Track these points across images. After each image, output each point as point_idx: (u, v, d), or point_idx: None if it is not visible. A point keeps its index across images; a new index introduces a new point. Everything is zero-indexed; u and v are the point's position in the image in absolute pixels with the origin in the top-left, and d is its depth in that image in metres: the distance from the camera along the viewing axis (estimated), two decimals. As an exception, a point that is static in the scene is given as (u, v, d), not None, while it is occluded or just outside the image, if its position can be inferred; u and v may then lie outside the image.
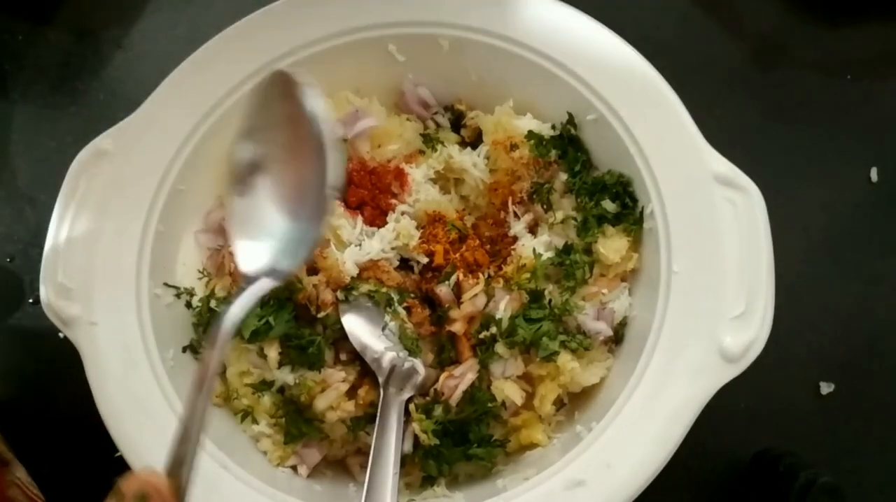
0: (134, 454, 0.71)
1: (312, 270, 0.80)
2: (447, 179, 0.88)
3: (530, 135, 0.85)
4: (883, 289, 0.96)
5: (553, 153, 0.85)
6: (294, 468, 0.80)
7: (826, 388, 0.92)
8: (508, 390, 0.78)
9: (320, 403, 0.77)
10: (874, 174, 0.99)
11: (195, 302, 0.83)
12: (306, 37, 0.83)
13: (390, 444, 0.73)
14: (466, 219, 0.87)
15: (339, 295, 0.79)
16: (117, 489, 0.51)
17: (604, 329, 0.79)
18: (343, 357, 0.80)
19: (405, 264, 0.84)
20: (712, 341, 0.70)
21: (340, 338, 0.79)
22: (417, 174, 0.85)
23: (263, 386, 0.79)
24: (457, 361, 0.80)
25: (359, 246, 0.80)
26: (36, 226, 1.01)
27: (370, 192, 0.84)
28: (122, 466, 0.70)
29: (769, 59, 1.05)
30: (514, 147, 0.85)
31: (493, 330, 0.78)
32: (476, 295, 0.80)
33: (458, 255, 0.82)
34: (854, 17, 1.06)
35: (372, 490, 0.70)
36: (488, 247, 0.85)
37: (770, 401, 0.91)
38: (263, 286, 0.62)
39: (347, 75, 0.87)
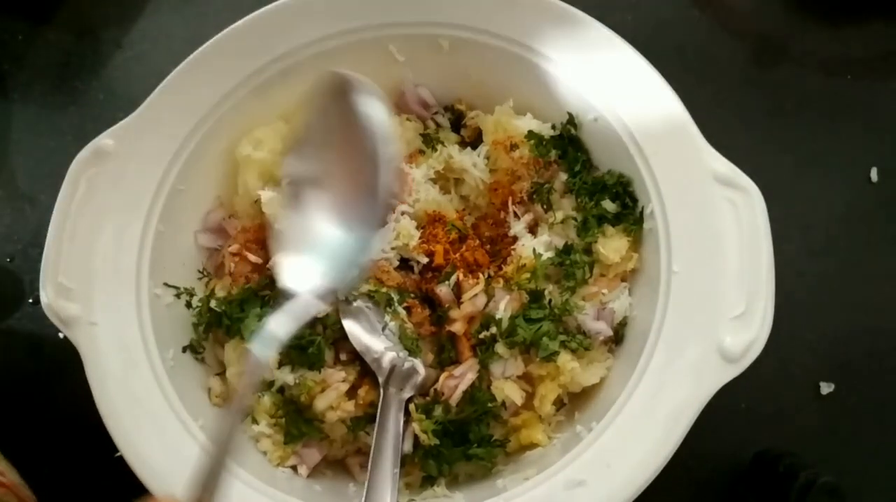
0: (134, 454, 0.71)
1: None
2: (447, 179, 0.88)
3: (530, 135, 0.85)
4: (883, 289, 0.96)
5: (553, 153, 0.85)
6: (294, 468, 0.80)
7: (826, 388, 0.92)
8: (508, 390, 0.78)
9: (320, 403, 0.77)
10: (874, 174, 0.99)
11: (195, 302, 0.83)
12: (306, 37, 0.83)
13: (390, 444, 0.73)
14: (466, 219, 0.87)
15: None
16: None
17: (604, 329, 0.79)
18: (343, 357, 0.80)
19: (405, 264, 0.84)
20: (712, 341, 0.70)
21: (340, 338, 0.79)
22: (417, 174, 0.85)
23: (263, 386, 0.79)
24: (457, 361, 0.80)
25: (359, 246, 0.80)
26: (36, 226, 1.01)
27: (370, 192, 0.84)
28: (122, 466, 0.70)
29: (769, 59, 1.05)
30: (514, 147, 0.85)
31: (493, 330, 0.78)
32: (476, 295, 0.80)
33: (458, 255, 0.82)
34: (855, 16, 1.06)
35: (372, 490, 0.70)
36: (488, 247, 0.85)
37: (770, 401, 0.91)
38: (307, 306, 0.57)
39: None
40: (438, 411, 0.77)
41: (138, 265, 0.78)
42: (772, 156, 0.99)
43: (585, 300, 0.80)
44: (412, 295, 0.82)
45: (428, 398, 0.78)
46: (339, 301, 0.79)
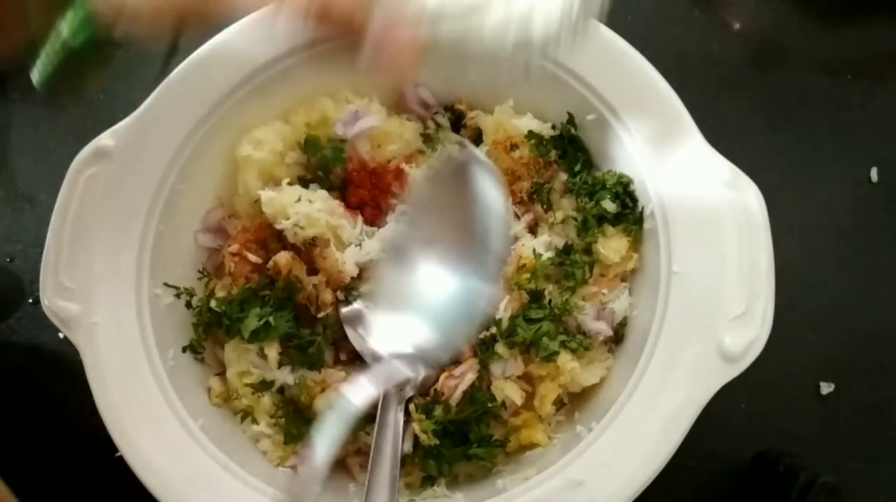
0: (134, 454, 0.71)
1: (312, 271, 0.80)
2: (447, 179, 0.88)
3: (530, 135, 0.85)
4: (883, 289, 0.96)
5: (553, 153, 0.85)
6: (294, 468, 0.80)
7: (826, 388, 0.92)
8: (508, 390, 0.78)
9: (320, 403, 0.77)
10: (874, 174, 0.99)
11: (195, 302, 0.83)
12: (306, 36, 0.83)
13: (390, 444, 0.72)
14: (466, 219, 0.87)
15: (339, 295, 0.79)
16: None
17: (604, 329, 0.79)
18: (343, 357, 0.80)
19: (405, 264, 0.84)
20: (712, 341, 0.70)
21: (340, 338, 0.79)
22: (418, 174, 0.85)
23: (263, 386, 0.79)
24: (457, 361, 0.80)
25: (359, 246, 0.80)
26: (36, 226, 1.01)
27: (370, 192, 0.84)
28: (122, 466, 0.70)
29: (769, 59, 1.05)
30: (514, 147, 0.85)
31: (493, 330, 0.78)
32: (476, 295, 0.80)
33: (458, 255, 0.82)
34: (854, 17, 1.06)
35: (372, 490, 0.70)
36: (488, 247, 0.85)
37: (770, 401, 0.91)
38: (393, 372, 0.54)
39: (347, 75, 0.87)
40: (438, 411, 0.77)
41: (138, 265, 0.78)
42: (772, 157, 0.99)
43: (585, 300, 0.80)
44: (412, 295, 0.81)
45: (428, 398, 0.78)
46: (340, 301, 0.79)
